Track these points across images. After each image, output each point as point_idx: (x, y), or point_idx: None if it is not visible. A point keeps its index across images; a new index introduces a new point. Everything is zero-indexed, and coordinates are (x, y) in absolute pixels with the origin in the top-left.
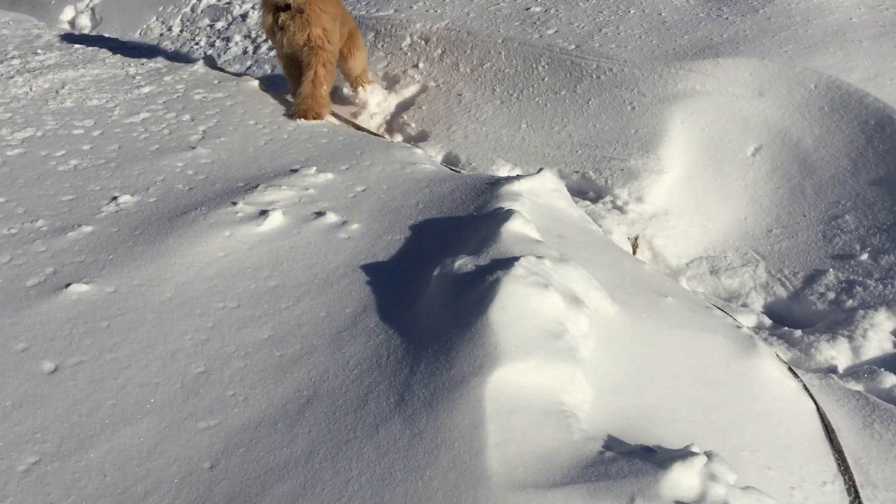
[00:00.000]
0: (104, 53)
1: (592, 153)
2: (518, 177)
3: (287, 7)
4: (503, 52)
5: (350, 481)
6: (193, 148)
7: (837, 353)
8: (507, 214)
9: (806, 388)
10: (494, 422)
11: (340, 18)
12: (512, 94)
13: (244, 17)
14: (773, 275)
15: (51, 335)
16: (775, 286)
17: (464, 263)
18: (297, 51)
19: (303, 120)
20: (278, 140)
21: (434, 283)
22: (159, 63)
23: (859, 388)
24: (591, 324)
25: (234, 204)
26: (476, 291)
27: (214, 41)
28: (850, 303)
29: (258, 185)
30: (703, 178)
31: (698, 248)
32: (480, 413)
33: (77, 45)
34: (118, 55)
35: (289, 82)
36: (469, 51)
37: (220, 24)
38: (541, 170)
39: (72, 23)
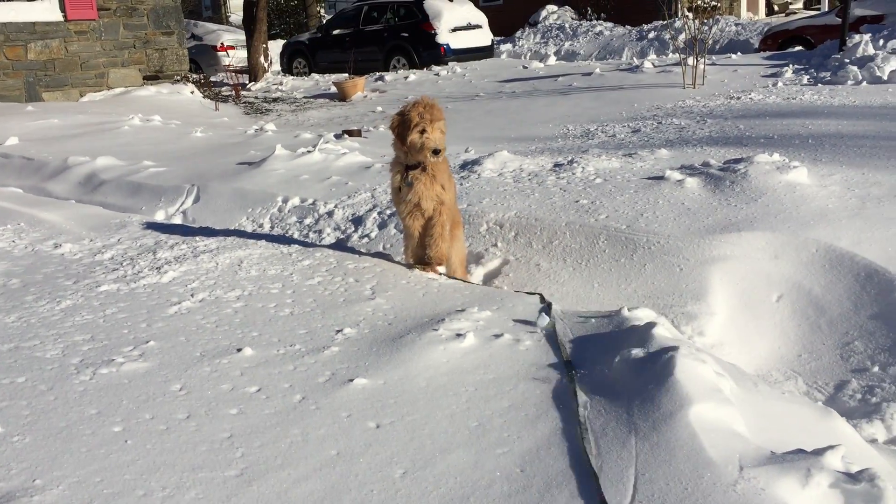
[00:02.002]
0: (249, 240)
1: (657, 302)
2: (631, 308)
3: (417, 166)
4: (567, 233)
5: (628, 467)
6: (372, 299)
7: (876, 431)
8: (652, 325)
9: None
10: (703, 435)
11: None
12: (581, 263)
13: (330, 214)
14: (810, 385)
15: (360, 407)
16: (814, 393)
17: (637, 352)
18: (423, 203)
19: (428, 270)
20: (431, 293)
21: (617, 366)
22: (299, 244)
23: None
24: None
25: (436, 330)
26: (658, 364)
27: (307, 233)
28: (874, 400)
29: (443, 319)
30: (743, 319)
31: (749, 369)
32: (692, 430)
33: (219, 235)
34: (262, 241)
35: (407, 232)
36: (539, 232)
37: (308, 221)
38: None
39: None
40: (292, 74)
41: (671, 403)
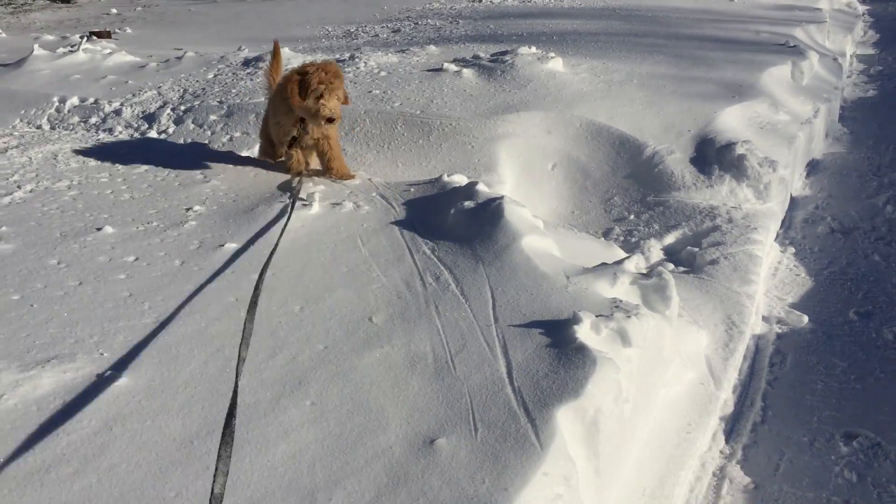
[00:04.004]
0: (49, 136)
1: None
2: (449, 174)
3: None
4: (367, 120)
5: (484, 285)
6: (207, 181)
7: (638, 262)
8: (475, 183)
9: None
10: (535, 257)
11: None
12: (383, 146)
13: (118, 112)
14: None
15: (244, 267)
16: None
17: (469, 203)
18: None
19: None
20: (263, 172)
21: (453, 216)
22: (106, 139)
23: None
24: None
25: (282, 202)
26: (489, 211)
27: (97, 132)
28: (633, 240)
29: (286, 192)
30: (526, 185)
31: None
32: (526, 255)
33: (13, 133)
34: (64, 136)
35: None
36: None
37: (94, 120)
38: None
39: None
40: None
41: (506, 238)
